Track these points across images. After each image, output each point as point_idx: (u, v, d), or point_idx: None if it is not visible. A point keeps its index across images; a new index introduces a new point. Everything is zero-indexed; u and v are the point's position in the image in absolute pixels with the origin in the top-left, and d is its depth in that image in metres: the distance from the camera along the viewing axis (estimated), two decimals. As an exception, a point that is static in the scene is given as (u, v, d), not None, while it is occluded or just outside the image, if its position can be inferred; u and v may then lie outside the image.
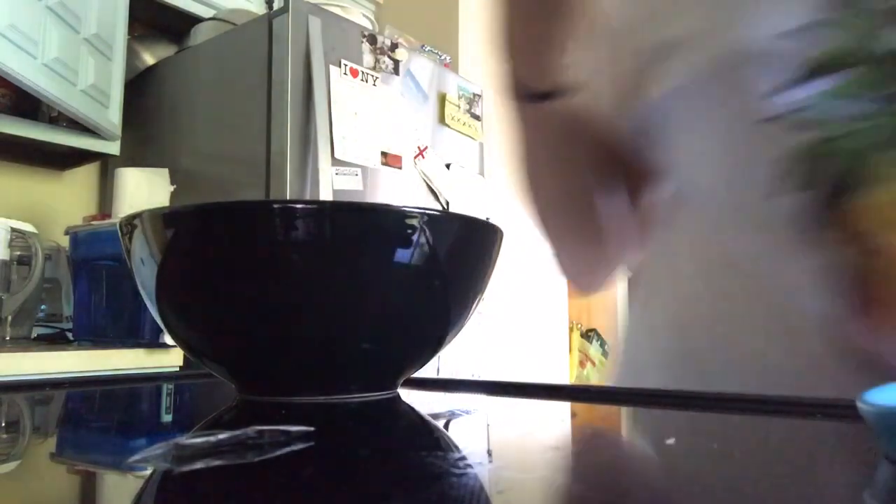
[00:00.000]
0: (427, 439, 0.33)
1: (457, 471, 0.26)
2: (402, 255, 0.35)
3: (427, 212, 0.35)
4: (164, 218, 0.36)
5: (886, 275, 0.32)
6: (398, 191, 1.73)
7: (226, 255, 0.35)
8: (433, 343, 0.41)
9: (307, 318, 0.35)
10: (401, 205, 0.35)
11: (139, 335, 1.31)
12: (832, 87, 0.38)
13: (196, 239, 0.36)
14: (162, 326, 0.39)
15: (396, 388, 0.43)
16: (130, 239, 0.37)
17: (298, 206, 0.34)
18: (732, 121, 0.46)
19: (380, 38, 1.75)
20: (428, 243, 0.35)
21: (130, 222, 0.37)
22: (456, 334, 0.42)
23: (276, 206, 0.34)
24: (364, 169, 1.65)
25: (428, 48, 2.06)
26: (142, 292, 0.39)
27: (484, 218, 0.41)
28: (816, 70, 0.38)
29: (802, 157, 0.38)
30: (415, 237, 0.35)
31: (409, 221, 0.35)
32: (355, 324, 0.36)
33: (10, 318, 1.40)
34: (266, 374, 0.39)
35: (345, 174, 1.60)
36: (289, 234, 0.33)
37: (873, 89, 0.37)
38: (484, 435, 0.37)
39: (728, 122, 0.47)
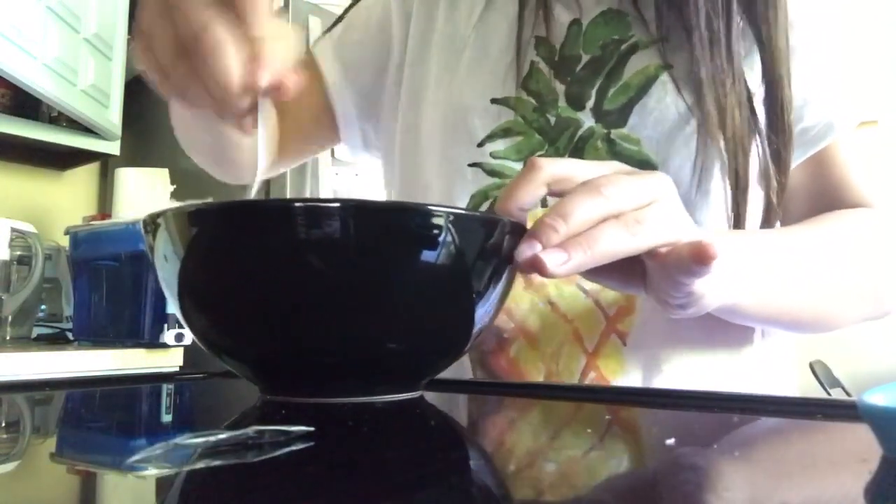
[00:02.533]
0: (430, 440, 0.33)
1: (465, 470, 0.26)
2: (426, 254, 0.35)
3: (453, 211, 0.35)
4: (189, 216, 0.36)
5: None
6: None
7: (249, 253, 0.35)
8: (458, 344, 0.41)
9: (330, 319, 0.35)
10: (426, 203, 0.35)
11: (139, 335, 1.31)
12: (502, 149, 0.58)
13: (219, 237, 0.36)
14: (184, 324, 0.39)
15: (420, 389, 0.42)
16: (154, 236, 0.37)
17: (323, 204, 0.34)
18: (449, 160, 0.60)
19: (380, 38, 1.75)
20: (453, 243, 0.35)
21: (154, 220, 0.37)
22: (481, 334, 0.41)
23: (299, 204, 0.34)
24: (363, 169, 1.64)
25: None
26: (164, 289, 0.39)
27: None
28: (496, 135, 0.59)
29: (480, 193, 0.59)
30: (440, 237, 0.34)
31: (434, 221, 0.34)
32: (379, 324, 0.36)
33: (10, 318, 1.40)
34: (288, 375, 0.39)
35: (344, 174, 1.60)
36: (313, 233, 0.33)
37: (520, 155, 0.58)
38: (499, 436, 0.37)
39: (447, 162, 0.61)
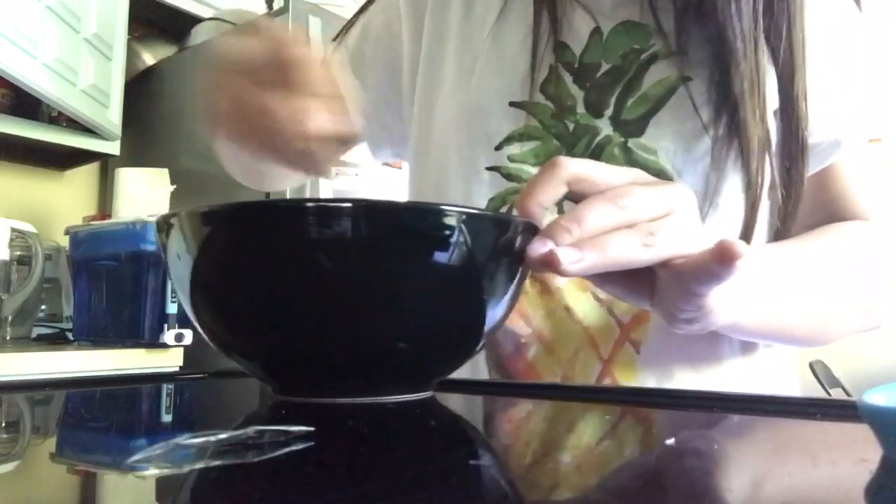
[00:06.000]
0: (432, 441, 0.33)
1: (465, 470, 0.26)
2: (438, 254, 0.35)
3: (465, 210, 0.35)
4: (202, 216, 0.36)
5: None
6: (398, 192, 1.73)
7: (261, 253, 0.35)
8: (469, 345, 0.41)
9: (342, 319, 0.35)
10: (440, 203, 0.35)
11: (139, 335, 1.31)
12: (520, 152, 0.58)
13: (232, 237, 0.36)
14: (196, 324, 0.40)
15: (431, 389, 0.42)
16: (167, 235, 0.38)
17: (335, 204, 0.34)
18: (466, 163, 0.60)
19: (380, 38, 1.75)
20: (465, 243, 0.35)
21: (168, 220, 0.37)
22: (493, 335, 0.41)
23: (311, 204, 0.34)
24: (364, 169, 1.64)
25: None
26: (176, 288, 0.39)
27: None
28: (513, 139, 0.59)
29: (498, 198, 0.59)
30: (452, 237, 0.34)
31: (447, 220, 0.34)
32: (390, 324, 0.36)
33: (10, 318, 1.40)
34: (299, 375, 0.39)
35: (344, 174, 1.60)
36: (325, 232, 0.33)
37: (537, 160, 0.58)
38: (503, 435, 0.37)
39: (464, 165, 0.60)
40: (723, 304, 0.42)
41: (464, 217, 0.34)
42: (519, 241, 0.37)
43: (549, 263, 0.36)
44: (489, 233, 0.36)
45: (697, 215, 0.41)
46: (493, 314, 0.39)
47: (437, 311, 0.37)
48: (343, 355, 0.37)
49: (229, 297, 0.37)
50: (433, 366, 0.41)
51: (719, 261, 0.36)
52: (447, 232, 0.34)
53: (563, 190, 0.39)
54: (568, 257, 0.36)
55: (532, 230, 0.38)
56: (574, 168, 0.39)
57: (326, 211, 0.34)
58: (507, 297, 0.39)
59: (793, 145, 0.54)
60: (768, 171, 0.53)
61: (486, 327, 0.39)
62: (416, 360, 0.39)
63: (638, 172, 0.42)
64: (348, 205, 0.33)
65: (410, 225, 0.35)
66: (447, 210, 0.34)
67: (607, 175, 0.40)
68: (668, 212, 0.39)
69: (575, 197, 0.39)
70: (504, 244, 0.37)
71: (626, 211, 0.37)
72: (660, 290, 0.42)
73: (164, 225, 0.38)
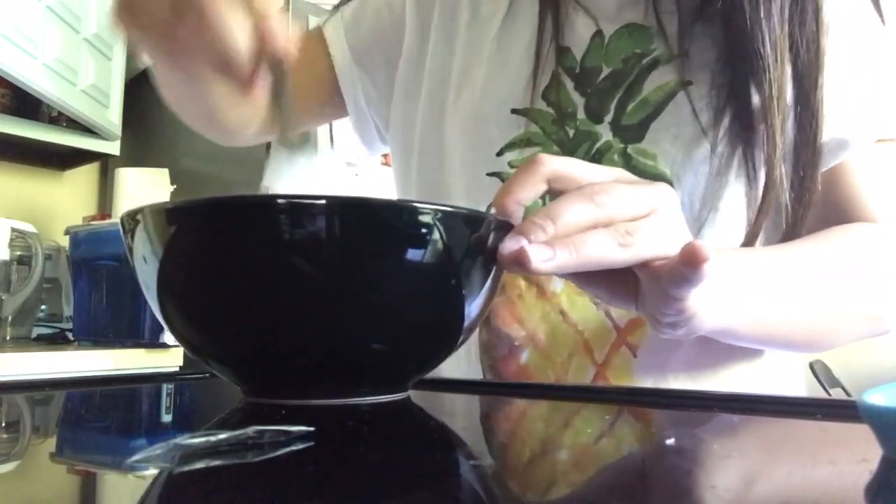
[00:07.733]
0: (427, 441, 0.33)
1: (455, 472, 0.26)
2: (413, 253, 0.34)
3: (440, 208, 0.34)
4: (166, 213, 0.35)
5: None
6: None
7: (231, 252, 0.34)
8: (445, 345, 0.40)
9: (315, 319, 0.34)
10: (413, 201, 0.34)
11: (139, 335, 1.31)
12: (519, 159, 0.58)
13: (199, 235, 0.35)
14: (165, 326, 0.39)
15: (407, 390, 0.42)
16: (133, 236, 0.36)
17: (305, 201, 0.33)
18: (468, 168, 0.60)
19: (380, 38, 1.75)
20: (441, 241, 0.34)
21: (133, 217, 0.36)
22: (469, 335, 0.41)
23: (282, 201, 0.32)
24: (364, 169, 1.65)
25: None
26: (144, 291, 0.38)
27: None
28: (515, 145, 0.58)
29: None
30: (427, 235, 0.34)
31: (421, 218, 0.34)
32: (364, 324, 0.35)
33: (10, 318, 1.40)
34: (271, 377, 0.38)
35: (345, 174, 1.60)
36: (297, 230, 0.33)
37: None
38: (489, 436, 0.37)
39: (467, 170, 0.60)
40: (707, 308, 0.40)
41: (437, 215, 0.34)
42: (492, 238, 0.36)
43: (520, 261, 0.35)
44: (462, 230, 0.35)
45: (681, 216, 0.40)
46: (468, 312, 0.38)
47: (410, 309, 0.36)
48: (316, 357, 0.36)
49: (198, 298, 0.36)
50: (410, 366, 0.40)
51: (686, 263, 0.35)
52: (421, 229, 0.34)
53: (542, 188, 0.38)
54: (538, 255, 0.35)
55: (506, 228, 0.37)
56: (554, 165, 0.38)
57: (298, 207, 0.32)
58: (482, 295, 0.38)
59: (808, 153, 0.52)
60: (776, 177, 0.52)
61: (463, 325, 0.38)
62: (393, 361, 0.38)
63: (621, 171, 0.41)
64: (321, 201, 0.32)
65: (384, 222, 0.34)
66: (419, 207, 0.34)
67: (588, 173, 0.39)
68: (649, 211, 0.38)
69: (556, 195, 0.38)
70: (477, 242, 0.36)
71: (604, 208, 0.36)
72: (642, 294, 0.41)
73: (129, 223, 0.36)
